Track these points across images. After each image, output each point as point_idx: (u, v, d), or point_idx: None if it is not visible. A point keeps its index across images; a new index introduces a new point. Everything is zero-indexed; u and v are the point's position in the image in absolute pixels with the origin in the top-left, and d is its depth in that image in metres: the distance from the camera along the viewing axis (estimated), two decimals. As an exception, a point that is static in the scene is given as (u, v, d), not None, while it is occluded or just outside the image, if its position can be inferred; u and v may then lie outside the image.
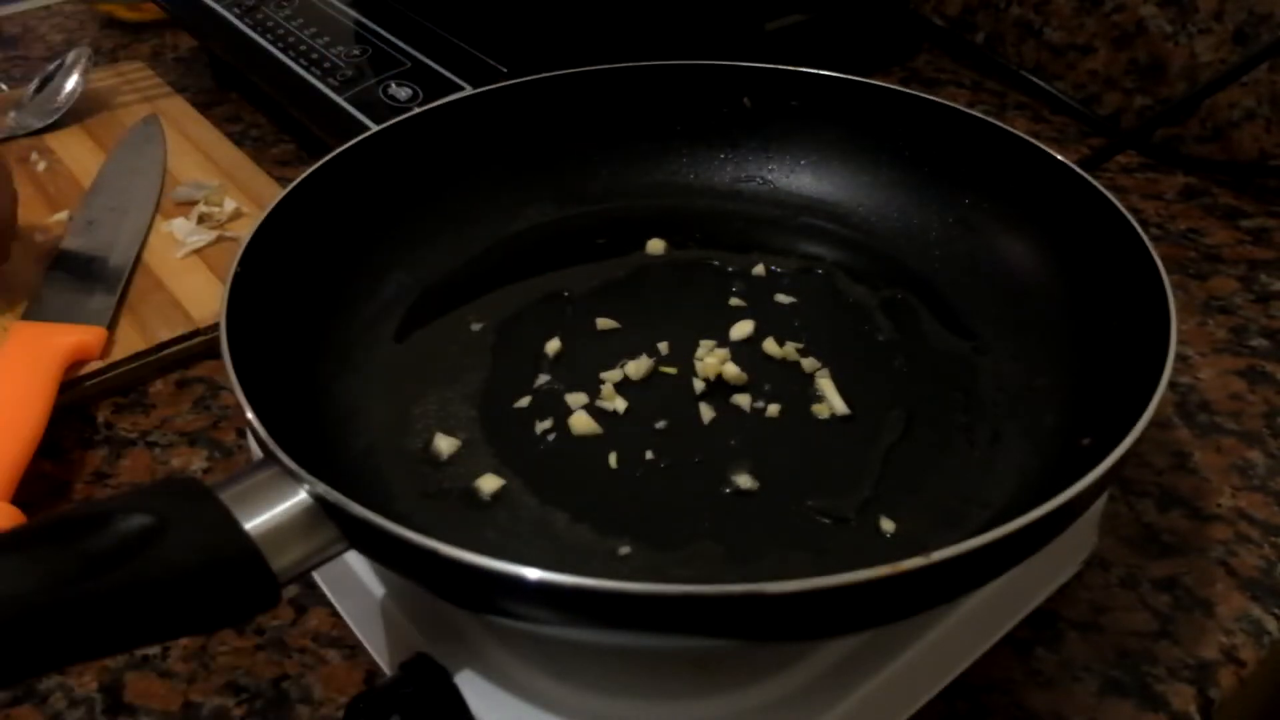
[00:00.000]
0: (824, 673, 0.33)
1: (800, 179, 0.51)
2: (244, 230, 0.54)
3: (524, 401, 0.41)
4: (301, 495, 0.29)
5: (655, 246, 0.49)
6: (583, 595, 0.27)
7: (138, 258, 0.57)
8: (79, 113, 0.70)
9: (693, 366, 0.42)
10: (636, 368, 0.42)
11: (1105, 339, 0.39)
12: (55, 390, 0.47)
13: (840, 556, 0.35)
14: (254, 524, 0.28)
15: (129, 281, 0.55)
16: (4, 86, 0.74)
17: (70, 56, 0.72)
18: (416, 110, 0.48)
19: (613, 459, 0.39)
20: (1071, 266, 0.43)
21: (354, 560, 0.36)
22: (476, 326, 0.44)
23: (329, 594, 0.41)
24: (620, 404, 0.41)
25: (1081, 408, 0.38)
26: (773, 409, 0.40)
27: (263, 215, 0.40)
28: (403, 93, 0.60)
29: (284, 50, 0.66)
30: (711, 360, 0.42)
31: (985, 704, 0.38)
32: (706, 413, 0.40)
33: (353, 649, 0.40)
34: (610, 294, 0.47)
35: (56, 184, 0.64)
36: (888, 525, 0.36)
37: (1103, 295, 0.41)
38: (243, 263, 0.38)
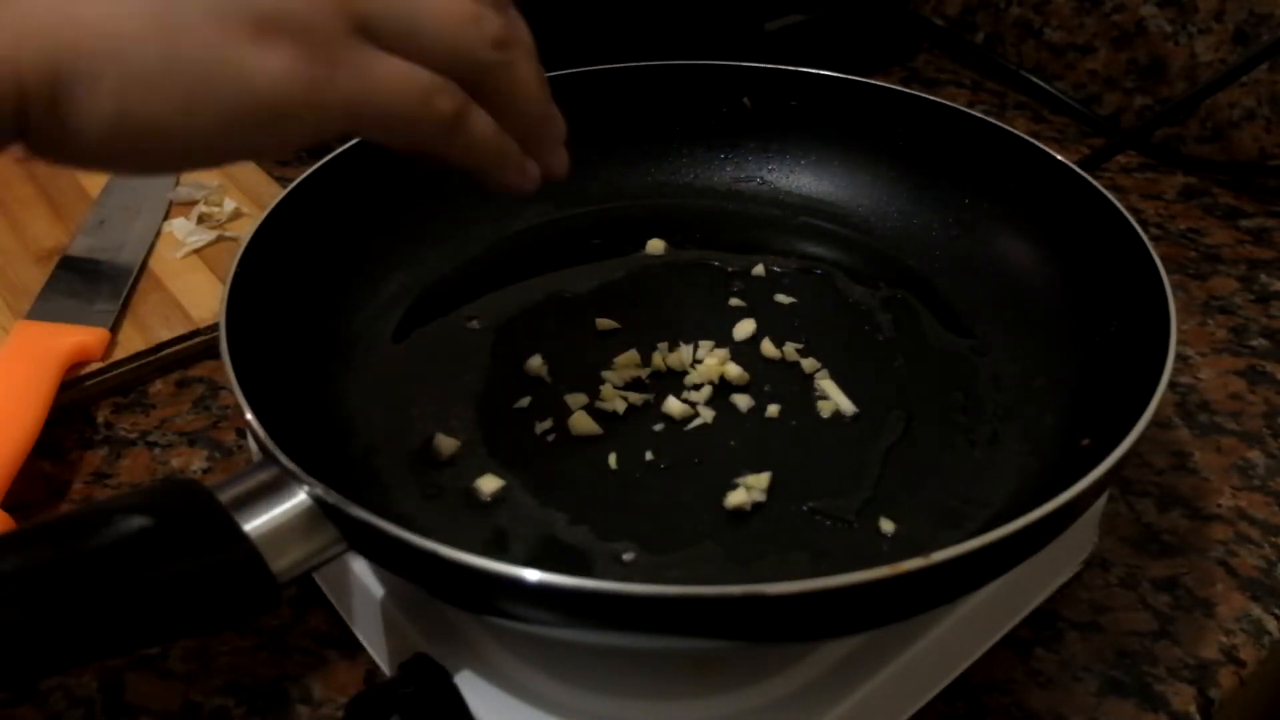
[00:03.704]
0: (824, 673, 0.33)
1: (800, 179, 0.51)
2: (244, 230, 0.54)
3: (524, 401, 0.41)
4: (301, 496, 0.29)
5: (655, 246, 0.49)
6: (582, 597, 0.27)
7: (144, 260, 0.57)
8: (79, 112, 0.70)
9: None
10: (636, 368, 0.42)
11: (1105, 339, 0.39)
12: (53, 393, 0.47)
13: (840, 557, 0.35)
14: (253, 525, 0.28)
15: (134, 284, 0.55)
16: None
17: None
18: (416, 110, 0.47)
19: (612, 459, 0.38)
20: (1071, 267, 0.43)
21: (354, 560, 0.36)
22: (476, 326, 0.44)
23: (329, 594, 0.41)
24: (620, 404, 0.41)
25: (1081, 408, 0.38)
26: (773, 409, 0.40)
27: (263, 215, 0.40)
28: (402, 93, 0.60)
29: (284, 50, 0.66)
30: (711, 361, 0.42)
31: (985, 704, 0.38)
32: (706, 413, 0.40)
33: (353, 649, 0.40)
34: (610, 294, 0.46)
35: (56, 184, 0.63)
36: (888, 526, 0.36)
37: (1103, 295, 0.41)
38: (243, 263, 0.38)
